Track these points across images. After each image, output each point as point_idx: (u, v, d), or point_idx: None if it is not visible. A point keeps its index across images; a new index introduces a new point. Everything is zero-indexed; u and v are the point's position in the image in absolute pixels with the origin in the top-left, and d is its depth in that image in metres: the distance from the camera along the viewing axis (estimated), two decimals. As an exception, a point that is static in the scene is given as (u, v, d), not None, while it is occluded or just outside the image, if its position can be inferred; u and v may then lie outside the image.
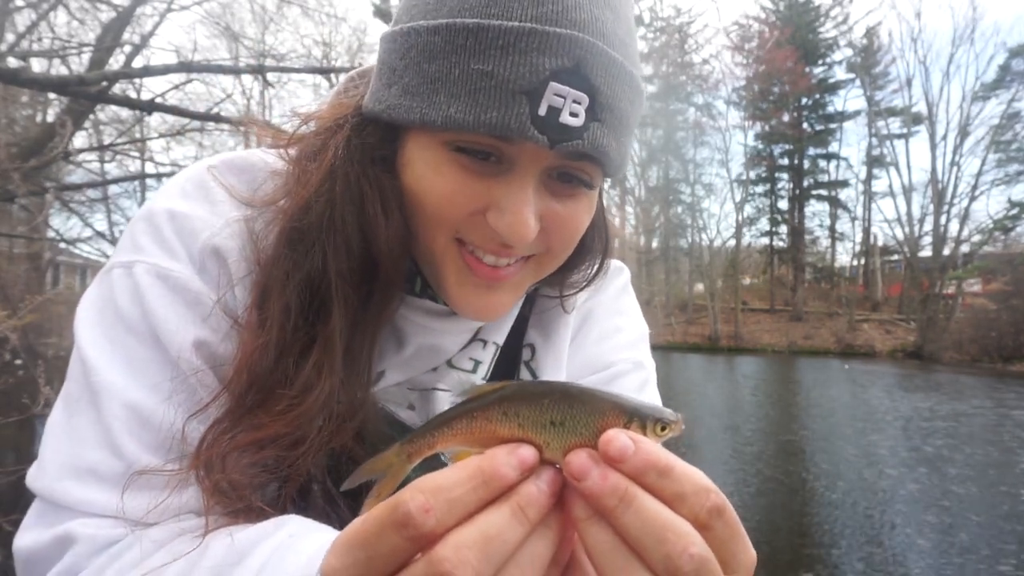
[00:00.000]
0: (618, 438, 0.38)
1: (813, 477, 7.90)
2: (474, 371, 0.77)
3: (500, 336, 0.79)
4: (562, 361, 0.83)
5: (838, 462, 8.55)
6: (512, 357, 0.82)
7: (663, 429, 0.41)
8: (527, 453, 0.39)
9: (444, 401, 0.75)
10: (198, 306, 0.61)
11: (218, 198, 0.65)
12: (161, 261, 0.62)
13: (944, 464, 8.43)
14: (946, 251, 30.16)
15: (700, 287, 35.86)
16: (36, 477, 0.58)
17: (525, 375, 0.82)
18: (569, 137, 0.57)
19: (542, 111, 0.55)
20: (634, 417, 0.40)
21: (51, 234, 6.87)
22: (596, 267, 0.80)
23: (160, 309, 0.60)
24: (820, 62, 37.29)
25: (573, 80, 0.56)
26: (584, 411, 0.40)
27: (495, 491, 0.37)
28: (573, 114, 0.56)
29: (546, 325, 0.84)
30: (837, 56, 37.18)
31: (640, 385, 0.85)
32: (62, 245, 7.63)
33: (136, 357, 0.59)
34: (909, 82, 33.02)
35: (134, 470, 0.56)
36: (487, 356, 0.78)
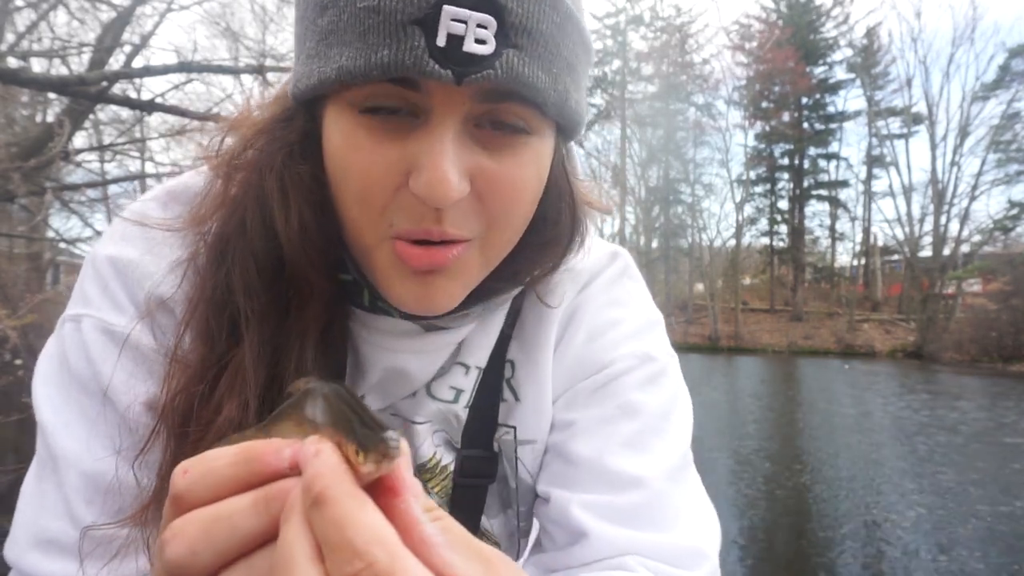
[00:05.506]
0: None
1: (815, 480, 7.89)
2: (455, 400, 0.71)
3: (482, 358, 0.72)
4: (543, 375, 0.73)
5: (841, 464, 8.55)
6: (495, 377, 0.74)
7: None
8: (308, 446, 0.31)
9: (424, 434, 0.71)
10: (146, 362, 0.59)
11: (159, 237, 0.62)
12: (107, 315, 0.60)
13: (947, 467, 8.42)
14: (946, 251, 30.10)
15: (700, 287, 35.80)
16: (9, 547, 0.57)
17: (508, 394, 0.74)
18: (478, 67, 0.48)
19: (440, 41, 0.47)
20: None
21: (51, 234, 6.88)
22: (569, 243, 0.67)
23: (108, 367, 0.58)
24: (820, 62, 37.19)
25: (471, 0, 0.47)
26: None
27: (255, 474, 0.32)
28: (480, 40, 0.48)
29: (526, 337, 0.74)
30: (837, 56, 37.14)
31: (647, 379, 0.72)
32: (62, 245, 7.62)
33: (91, 419, 0.58)
34: (909, 82, 32.97)
35: (97, 538, 0.55)
36: (469, 383, 0.71)
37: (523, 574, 0.33)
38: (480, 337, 0.72)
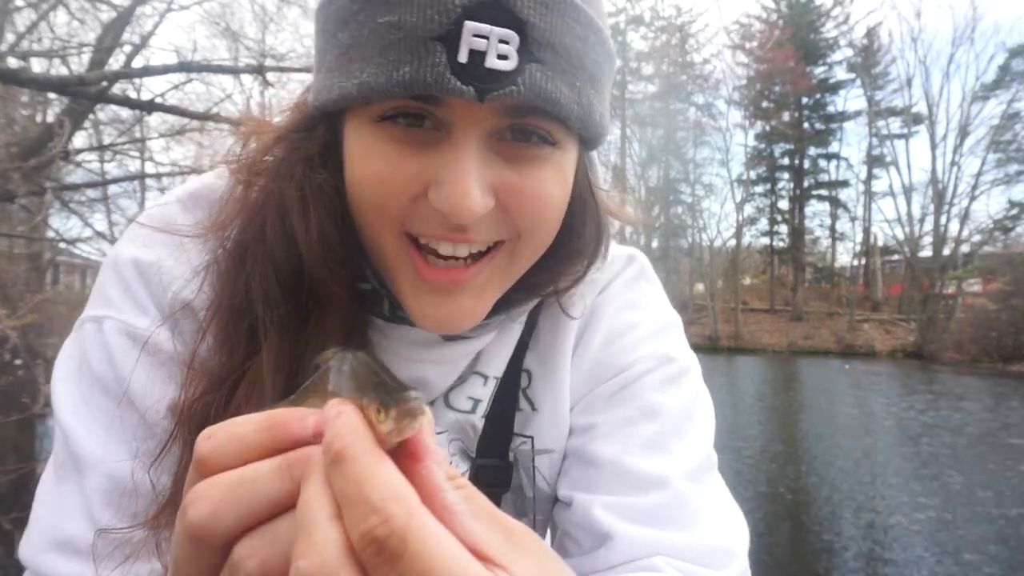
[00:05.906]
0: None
1: (820, 481, 7.88)
2: (473, 410, 0.71)
3: (499, 368, 0.71)
4: (560, 384, 0.72)
5: (846, 465, 8.54)
6: (511, 387, 0.73)
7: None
8: (330, 409, 0.31)
9: (441, 445, 0.69)
10: (168, 365, 0.59)
11: (184, 240, 0.61)
12: (130, 318, 0.59)
13: (953, 469, 8.41)
14: (946, 251, 30.15)
15: (700, 287, 35.84)
16: (24, 547, 0.56)
17: (524, 404, 0.73)
18: (500, 84, 0.47)
19: (462, 57, 0.46)
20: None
21: (51, 234, 6.86)
22: (593, 255, 0.67)
23: (130, 370, 0.58)
24: (821, 62, 37.26)
25: (494, 15, 0.46)
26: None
27: (279, 440, 0.32)
28: (502, 56, 0.47)
29: (543, 346, 0.73)
30: (837, 56, 37.24)
31: (667, 380, 0.71)
32: (62, 245, 7.62)
33: (113, 422, 0.57)
34: (909, 82, 33.03)
35: (112, 540, 0.54)
36: (486, 393, 0.71)
37: (545, 548, 0.32)
38: (499, 347, 0.71)
